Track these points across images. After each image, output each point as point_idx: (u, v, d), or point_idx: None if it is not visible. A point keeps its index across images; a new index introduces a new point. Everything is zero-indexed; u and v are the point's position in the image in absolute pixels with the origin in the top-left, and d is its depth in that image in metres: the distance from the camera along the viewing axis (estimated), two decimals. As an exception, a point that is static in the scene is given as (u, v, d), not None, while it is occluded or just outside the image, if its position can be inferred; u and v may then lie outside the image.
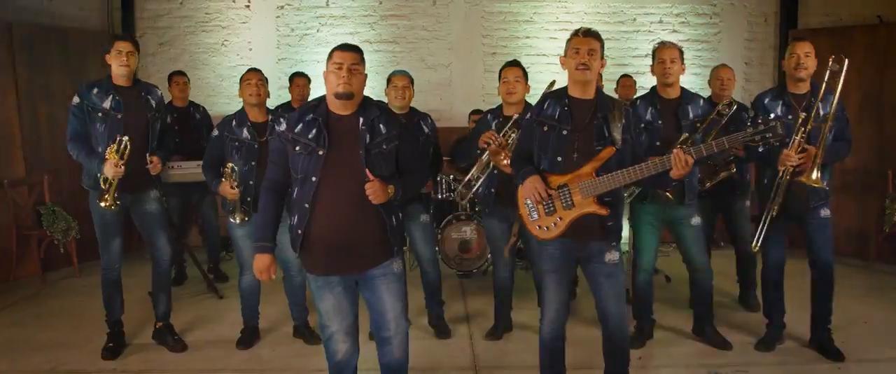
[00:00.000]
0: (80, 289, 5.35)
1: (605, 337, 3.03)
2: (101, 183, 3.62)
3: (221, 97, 6.97)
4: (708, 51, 7.08)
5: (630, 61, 6.98)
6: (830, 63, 3.43)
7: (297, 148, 2.58)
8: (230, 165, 3.75)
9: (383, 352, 2.77)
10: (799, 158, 3.39)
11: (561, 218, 2.84)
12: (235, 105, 6.88)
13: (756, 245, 3.77)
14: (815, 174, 3.43)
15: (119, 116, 3.68)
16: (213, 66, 7.01)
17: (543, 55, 6.94)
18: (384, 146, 2.62)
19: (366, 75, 2.66)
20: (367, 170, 2.53)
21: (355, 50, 2.62)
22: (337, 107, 2.61)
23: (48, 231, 5.55)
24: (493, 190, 3.93)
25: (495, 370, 3.74)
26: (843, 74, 3.39)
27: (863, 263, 5.95)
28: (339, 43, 2.69)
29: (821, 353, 3.77)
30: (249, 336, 4.08)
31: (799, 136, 3.41)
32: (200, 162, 4.59)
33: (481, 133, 3.94)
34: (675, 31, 7.04)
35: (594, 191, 2.77)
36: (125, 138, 3.57)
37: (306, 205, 2.56)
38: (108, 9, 6.82)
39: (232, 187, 3.72)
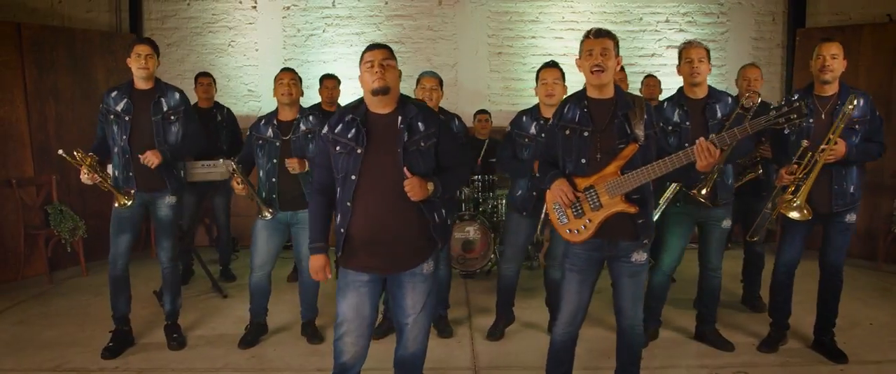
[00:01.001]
0: (86, 288, 5.39)
1: (619, 334, 3.03)
2: (101, 187, 3.72)
3: (228, 98, 7.00)
4: (715, 50, 7.02)
5: (636, 61, 6.96)
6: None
7: (338, 148, 2.64)
8: (230, 160, 3.82)
9: (398, 345, 2.83)
10: (791, 179, 3.43)
11: (590, 220, 2.81)
12: (242, 105, 7.00)
13: (752, 237, 3.85)
14: (793, 214, 3.43)
15: (127, 118, 3.78)
16: (220, 66, 7.05)
17: (549, 55, 6.86)
18: (422, 144, 2.66)
19: (400, 71, 2.72)
20: (404, 168, 2.57)
21: (385, 47, 2.67)
22: (376, 105, 2.67)
23: (55, 231, 5.61)
24: (534, 193, 3.89)
25: (495, 370, 3.73)
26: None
27: (870, 263, 5.90)
28: (370, 43, 2.75)
29: (823, 355, 3.75)
30: (253, 335, 4.10)
31: (798, 165, 3.41)
32: (205, 162, 4.64)
33: (516, 136, 3.95)
34: (681, 30, 7.01)
35: (621, 189, 2.74)
36: (75, 152, 3.63)
37: (347, 204, 2.62)
38: (116, 10, 6.88)
39: (238, 183, 3.76)
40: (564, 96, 3.83)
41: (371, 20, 7.04)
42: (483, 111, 6.38)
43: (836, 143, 3.35)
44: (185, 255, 5.51)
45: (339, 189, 2.68)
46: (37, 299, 5.11)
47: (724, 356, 3.81)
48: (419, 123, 2.67)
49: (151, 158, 3.77)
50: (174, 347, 3.99)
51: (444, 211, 2.77)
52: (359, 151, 2.60)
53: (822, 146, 3.37)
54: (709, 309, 3.99)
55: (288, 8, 7.03)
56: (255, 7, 7.04)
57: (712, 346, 3.93)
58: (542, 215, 3.79)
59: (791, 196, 3.44)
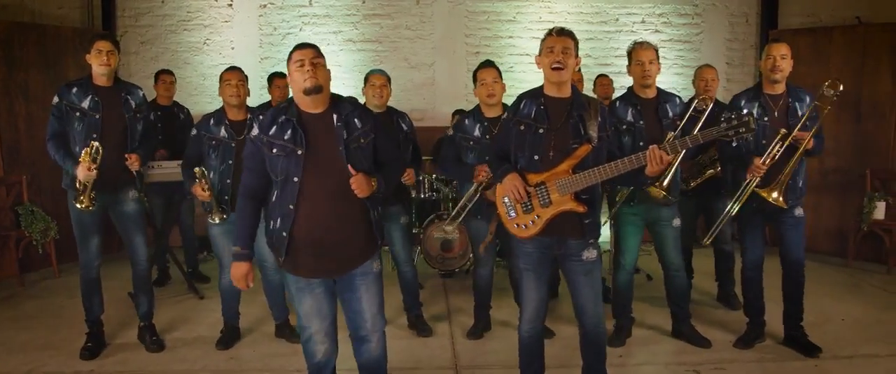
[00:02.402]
0: (58, 290, 5.30)
1: (582, 334, 3.04)
2: (76, 185, 3.61)
3: (204, 96, 6.93)
4: (690, 51, 7.13)
5: (613, 61, 7.01)
6: (825, 87, 3.52)
7: (275, 150, 2.57)
8: (199, 167, 3.72)
9: (361, 351, 2.79)
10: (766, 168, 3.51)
11: (538, 216, 2.84)
12: (217, 104, 6.87)
13: (707, 240, 3.88)
14: (775, 194, 3.51)
15: (97, 116, 3.66)
16: (196, 65, 6.97)
17: (526, 55, 6.94)
18: (362, 140, 2.64)
19: (329, 70, 2.66)
20: (349, 165, 2.54)
21: (312, 46, 2.63)
22: (307, 105, 2.61)
23: (26, 232, 5.48)
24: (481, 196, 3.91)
25: (475, 369, 3.74)
26: (833, 98, 3.52)
27: (841, 261, 6.01)
28: (297, 43, 2.71)
29: (796, 349, 3.81)
30: (229, 336, 4.06)
31: (776, 150, 3.49)
32: (161, 163, 4.56)
33: (460, 139, 3.97)
34: (657, 30, 7.08)
35: (571, 188, 2.78)
36: (96, 143, 3.55)
37: (290, 207, 2.56)
38: (89, 7, 6.76)
39: (203, 190, 3.70)
40: (503, 94, 3.94)
41: (348, 19, 7.00)
42: (460, 111, 6.36)
43: (816, 131, 3.53)
44: (160, 256, 5.44)
45: (276, 192, 2.61)
46: (7, 302, 5.01)
47: (701, 353, 3.86)
48: (356, 120, 2.65)
49: (135, 164, 3.72)
50: (154, 349, 3.93)
51: (379, 209, 2.76)
52: (299, 152, 2.54)
53: (795, 135, 3.50)
54: (681, 307, 4.04)
55: (264, 6, 6.97)
56: (230, 5, 6.97)
57: (689, 343, 3.98)
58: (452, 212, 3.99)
59: (776, 180, 3.53)
